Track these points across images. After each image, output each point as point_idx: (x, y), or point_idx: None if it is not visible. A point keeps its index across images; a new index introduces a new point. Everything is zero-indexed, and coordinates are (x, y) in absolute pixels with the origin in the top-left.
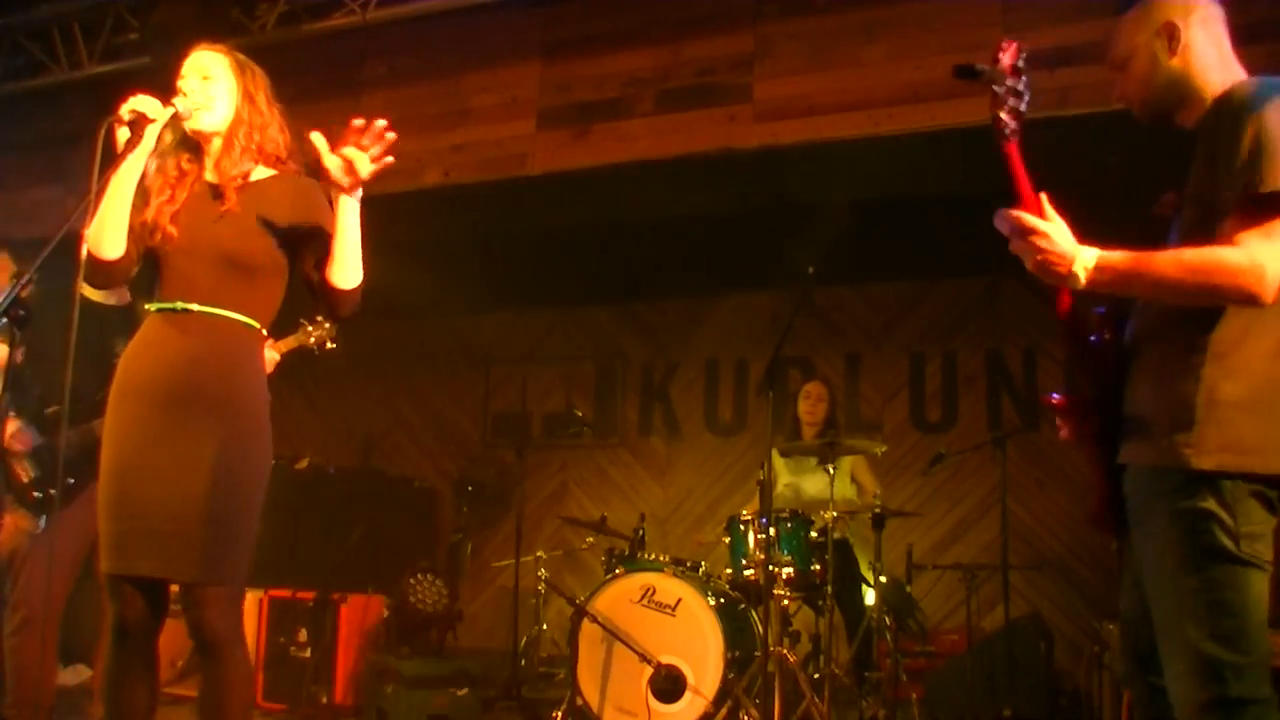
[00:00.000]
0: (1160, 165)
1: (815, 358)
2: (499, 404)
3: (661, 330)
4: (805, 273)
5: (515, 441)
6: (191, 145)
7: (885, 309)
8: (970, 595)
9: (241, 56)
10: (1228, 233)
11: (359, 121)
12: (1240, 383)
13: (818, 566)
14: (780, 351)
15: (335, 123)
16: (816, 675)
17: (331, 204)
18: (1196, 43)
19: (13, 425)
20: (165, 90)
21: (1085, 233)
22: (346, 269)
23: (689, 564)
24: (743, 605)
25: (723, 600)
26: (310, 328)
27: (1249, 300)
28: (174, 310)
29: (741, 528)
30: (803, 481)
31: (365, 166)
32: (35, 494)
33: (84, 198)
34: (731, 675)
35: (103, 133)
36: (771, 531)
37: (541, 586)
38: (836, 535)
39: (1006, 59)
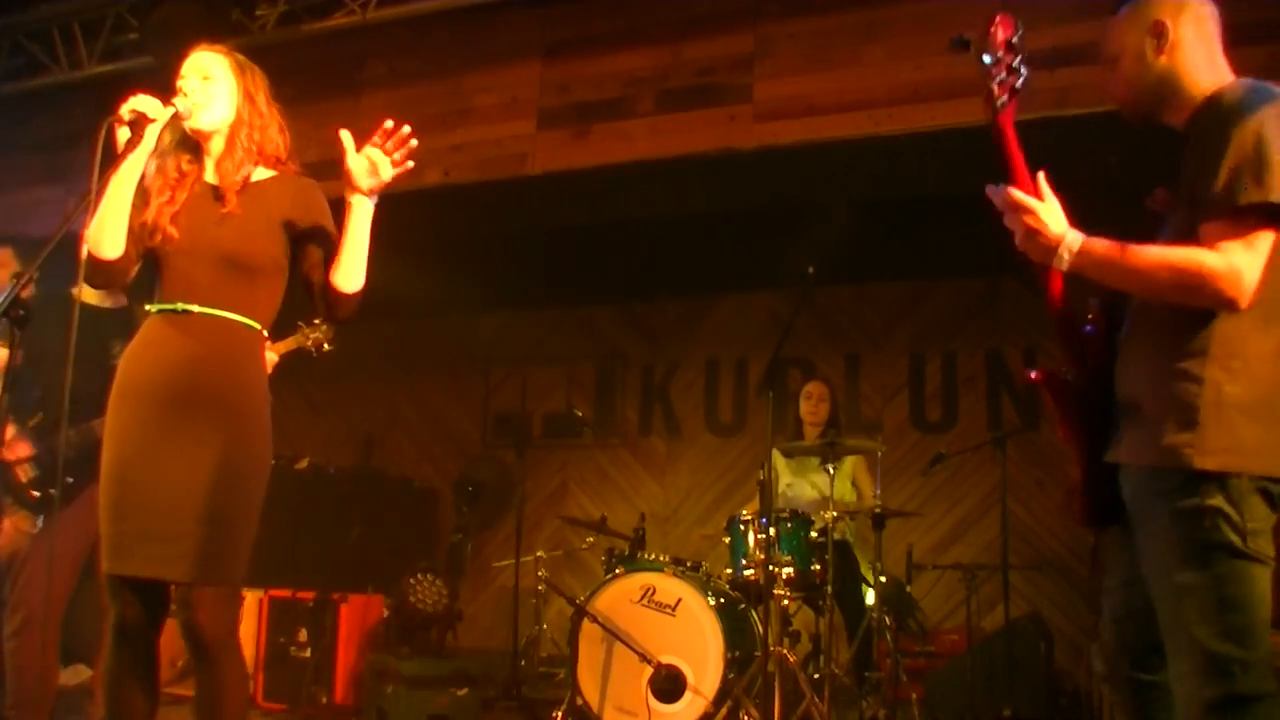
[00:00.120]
0: (1160, 165)
1: (815, 358)
2: (499, 404)
3: (661, 330)
4: (805, 273)
5: (515, 441)
6: (191, 146)
7: (885, 309)
8: (970, 595)
9: (241, 57)
10: (1209, 237)
11: (389, 124)
12: (1244, 384)
13: (818, 566)
14: (780, 351)
15: (335, 123)
16: (816, 675)
17: (346, 205)
18: (1185, 42)
19: (10, 432)
20: (165, 90)
21: (1085, 231)
22: (352, 272)
23: (689, 564)
24: (743, 605)
25: (723, 600)
26: (307, 330)
27: (1224, 305)
28: (174, 311)
29: (741, 528)
30: (803, 482)
31: (387, 170)
32: (34, 493)
33: (84, 198)
34: (731, 675)
35: (103, 133)
36: (771, 531)
37: (541, 586)
38: (837, 536)
39: (1001, 33)
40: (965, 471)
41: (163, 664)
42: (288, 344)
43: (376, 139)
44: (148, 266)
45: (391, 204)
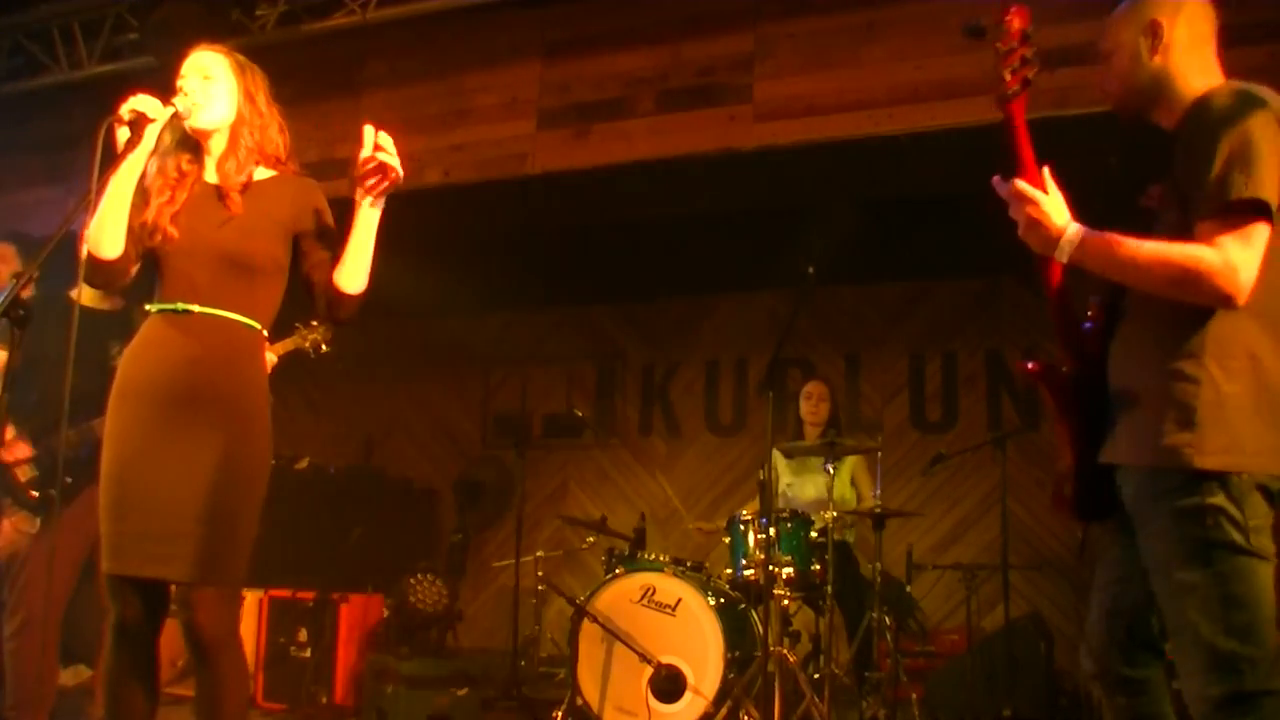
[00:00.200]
0: (1159, 165)
1: (815, 358)
2: (499, 404)
3: (661, 330)
4: (805, 273)
5: (515, 441)
6: (192, 146)
7: (885, 309)
8: (970, 595)
9: (241, 57)
10: (1205, 234)
11: (369, 129)
12: (1242, 383)
13: (818, 566)
14: (780, 351)
15: (335, 123)
16: (816, 675)
17: (355, 205)
18: (1180, 44)
19: (9, 433)
20: (165, 90)
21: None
22: (356, 273)
23: (689, 564)
24: (743, 605)
25: (723, 600)
26: (305, 330)
27: (1222, 301)
28: (174, 311)
29: (741, 528)
30: (803, 482)
31: (397, 172)
32: (34, 493)
33: (84, 198)
34: (731, 675)
35: (103, 133)
36: (771, 531)
37: (541, 586)
38: (837, 537)
39: (1016, 23)
40: (965, 471)
41: (163, 664)
42: (286, 345)
43: (364, 150)
44: (147, 267)
45: (391, 204)
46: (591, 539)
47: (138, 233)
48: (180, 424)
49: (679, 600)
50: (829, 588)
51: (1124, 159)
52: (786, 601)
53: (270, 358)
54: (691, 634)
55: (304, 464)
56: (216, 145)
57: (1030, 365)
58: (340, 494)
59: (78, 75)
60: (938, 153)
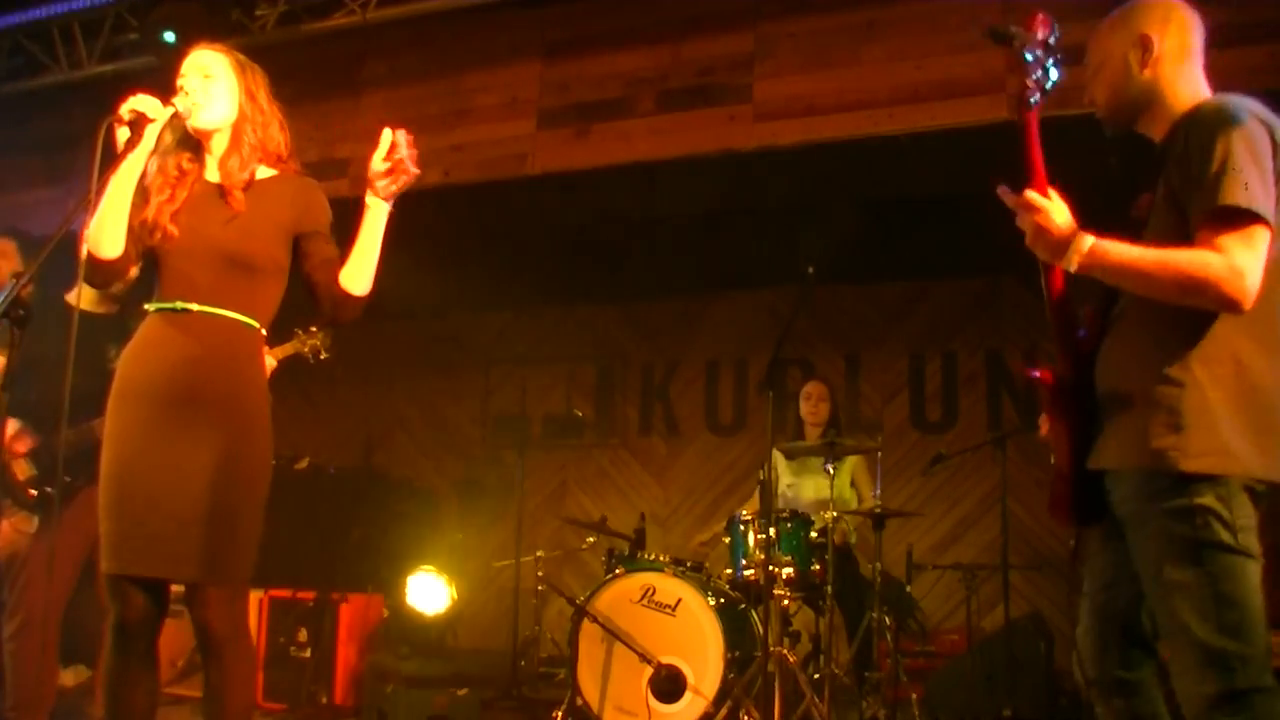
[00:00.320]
0: (1159, 167)
1: (815, 358)
2: (499, 404)
3: (661, 330)
4: (805, 273)
5: (515, 441)
6: (192, 145)
7: (885, 309)
8: (970, 595)
9: (242, 56)
10: (1206, 240)
11: (387, 132)
12: (1228, 389)
13: (818, 566)
14: (780, 351)
15: (335, 123)
16: (816, 675)
17: (362, 206)
18: (1169, 56)
19: (13, 426)
20: (165, 90)
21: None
22: (361, 275)
23: (689, 564)
24: (743, 605)
25: (723, 600)
26: (305, 336)
27: (1228, 306)
28: (174, 310)
29: (741, 528)
30: (804, 482)
31: (409, 174)
32: (32, 492)
33: (84, 198)
34: (731, 675)
35: (103, 133)
36: (771, 531)
37: (541, 586)
38: (837, 538)
39: (1041, 31)
40: (965, 471)
41: (163, 664)
42: (285, 350)
43: (380, 152)
44: (147, 269)
45: (392, 204)
46: (591, 539)
47: (137, 232)
48: (180, 423)
49: (679, 600)
50: (829, 588)
51: (1124, 159)
52: (786, 601)
53: (270, 362)
54: (691, 634)
55: (304, 464)
56: (218, 144)
57: (1039, 372)
58: (340, 494)
59: (78, 75)
60: (938, 153)
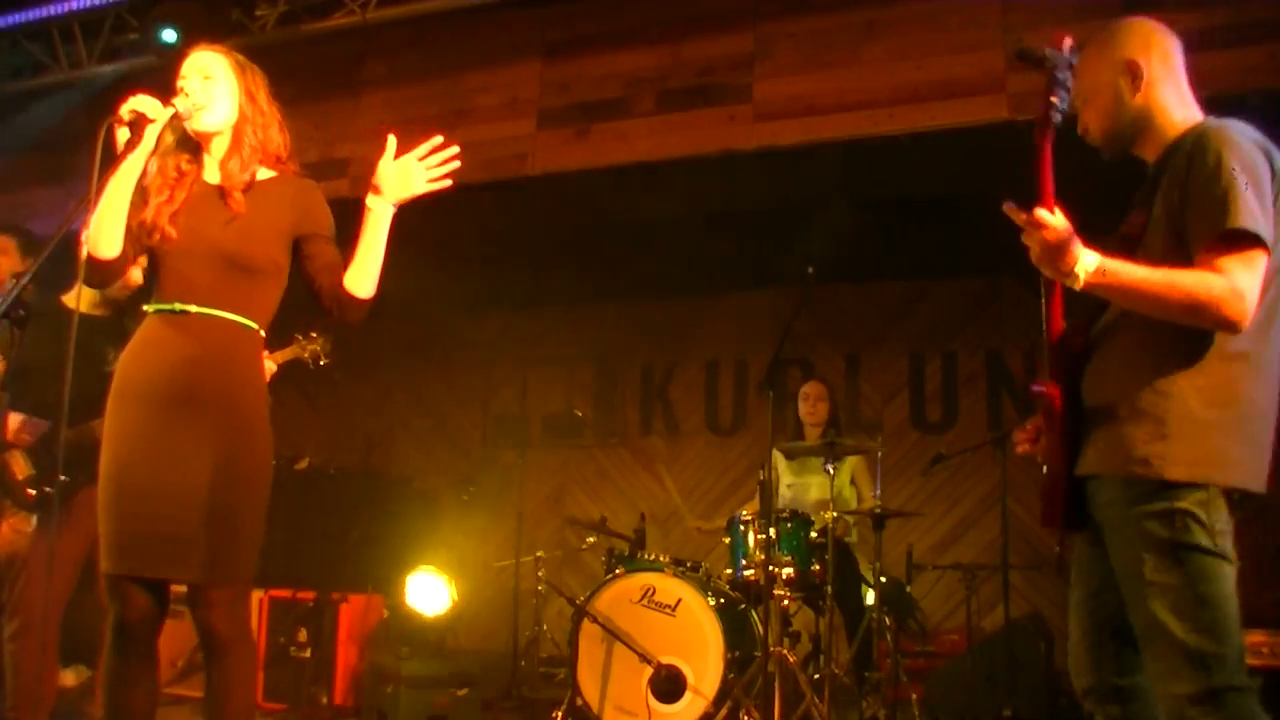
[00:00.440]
0: (1152, 186)
1: (815, 358)
2: (499, 404)
3: (661, 330)
4: (805, 273)
5: (515, 441)
6: (192, 146)
7: (885, 309)
8: (970, 595)
9: (241, 57)
10: (1207, 261)
11: (438, 139)
12: (1211, 400)
13: (818, 566)
14: (780, 351)
15: (335, 123)
16: (816, 675)
17: (364, 209)
18: (1158, 79)
19: (17, 419)
20: (165, 90)
21: (1083, 230)
22: (367, 277)
23: (689, 564)
24: (743, 605)
25: (723, 600)
26: (305, 341)
27: (1228, 327)
28: (172, 311)
29: (741, 528)
30: (804, 482)
31: (420, 184)
32: (31, 492)
33: (84, 198)
34: (731, 675)
35: (103, 133)
36: (771, 531)
37: (541, 587)
38: (838, 531)
39: (1067, 52)
40: (965, 471)
41: (163, 664)
42: (285, 354)
43: (420, 150)
44: (147, 272)
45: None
46: (591, 539)
47: (136, 232)
48: (179, 424)
49: (679, 600)
50: (829, 588)
51: (1124, 159)
52: (786, 601)
53: (269, 366)
54: (691, 634)
55: (304, 464)
56: (218, 146)
57: (1045, 388)
58: (340, 494)
59: (78, 75)
60: (938, 153)
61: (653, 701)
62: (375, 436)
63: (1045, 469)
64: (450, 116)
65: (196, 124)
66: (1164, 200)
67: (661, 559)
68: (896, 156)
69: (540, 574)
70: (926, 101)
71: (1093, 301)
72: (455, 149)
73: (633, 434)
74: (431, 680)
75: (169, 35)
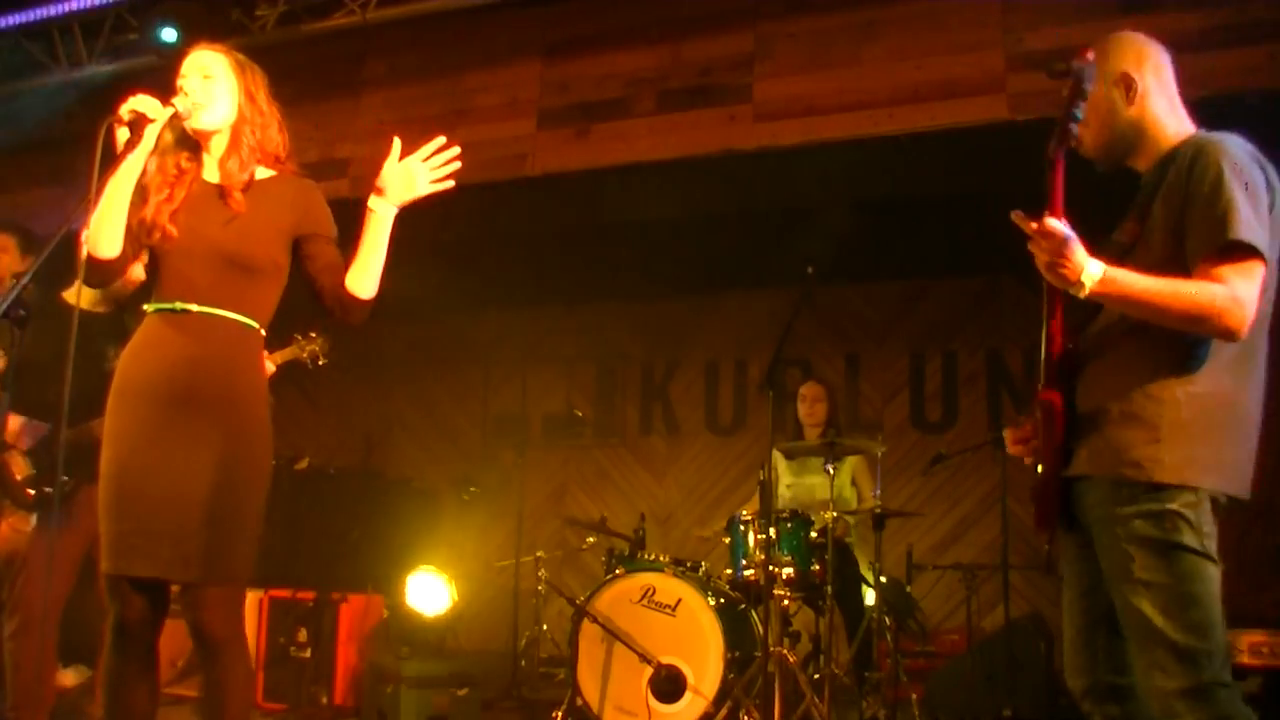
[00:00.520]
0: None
1: (815, 358)
2: (499, 404)
3: (661, 330)
4: (805, 273)
5: (515, 441)
6: (191, 144)
7: (885, 309)
8: (970, 595)
9: (241, 56)
10: (1206, 271)
11: (440, 139)
12: (1203, 407)
13: (818, 566)
14: (780, 351)
15: (335, 123)
16: (816, 675)
17: (366, 210)
18: (1151, 91)
19: (16, 422)
20: (165, 90)
21: (1083, 230)
22: (369, 278)
23: (689, 564)
24: (743, 605)
25: (723, 600)
26: (304, 341)
27: (1228, 335)
28: (173, 311)
29: (741, 528)
30: (804, 482)
31: (424, 185)
32: (30, 491)
33: (84, 198)
34: (731, 675)
35: (103, 133)
36: (771, 531)
37: (542, 587)
38: (838, 531)
39: (1089, 62)
40: (965, 471)
41: (163, 664)
42: (284, 354)
43: (424, 151)
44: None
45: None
46: (591, 539)
47: (135, 230)
48: (180, 423)
49: (679, 600)
50: (829, 588)
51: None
52: (786, 601)
53: (269, 366)
54: (691, 634)
55: (304, 464)
56: (217, 145)
57: (1050, 395)
58: (340, 494)
59: (78, 75)
60: (938, 153)
61: (653, 701)
62: (375, 436)
63: (1039, 471)
64: (450, 116)
65: (195, 123)
66: (1162, 210)
67: (661, 559)
68: (896, 156)
69: (540, 574)
70: (926, 101)
71: (1081, 309)
72: (457, 149)
73: (633, 434)
74: (431, 680)
75: (169, 34)
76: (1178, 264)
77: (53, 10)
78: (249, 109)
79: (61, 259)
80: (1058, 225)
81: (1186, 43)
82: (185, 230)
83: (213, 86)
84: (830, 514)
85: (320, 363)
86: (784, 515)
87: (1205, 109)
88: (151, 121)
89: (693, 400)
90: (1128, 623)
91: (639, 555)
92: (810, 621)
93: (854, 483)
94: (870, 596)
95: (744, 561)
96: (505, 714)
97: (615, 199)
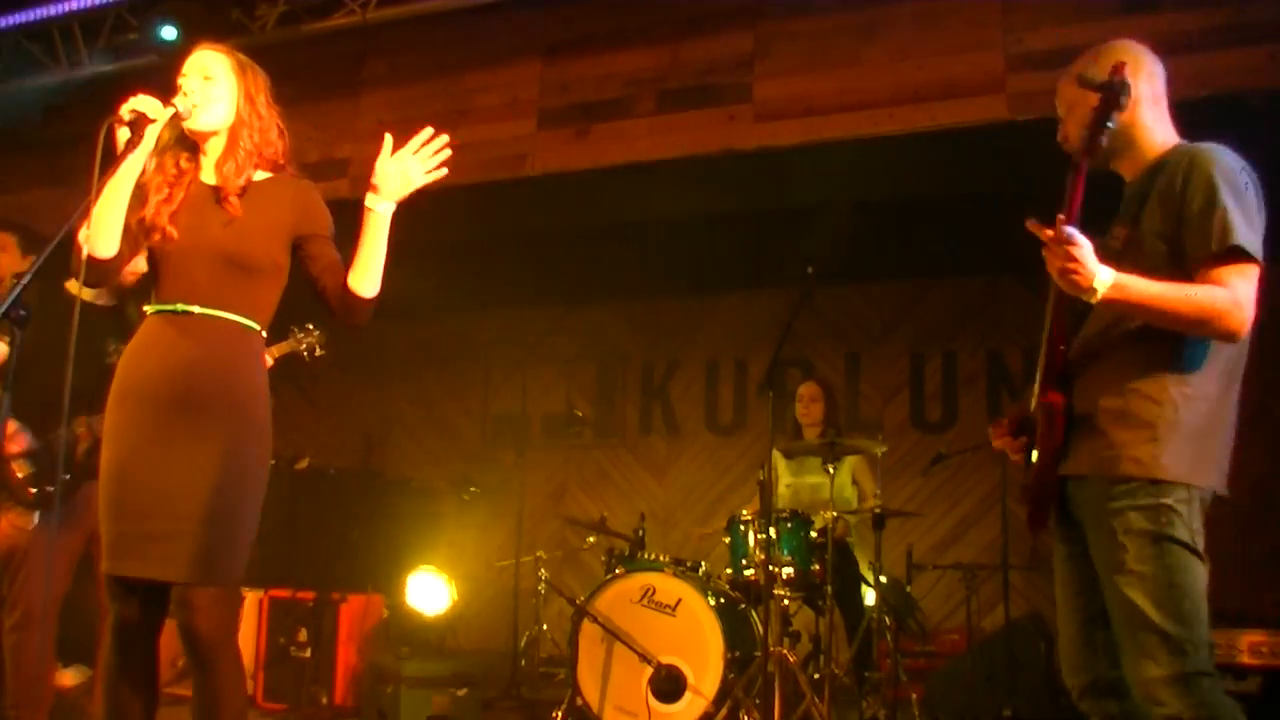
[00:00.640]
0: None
1: (815, 358)
2: (499, 404)
3: (661, 330)
4: (805, 273)
5: (515, 441)
6: (190, 144)
7: (885, 309)
8: (970, 595)
9: (243, 57)
10: (1207, 275)
11: (429, 130)
12: (1196, 409)
13: (818, 566)
14: (780, 351)
15: (335, 123)
16: (816, 675)
17: (364, 210)
18: (1144, 99)
19: (11, 426)
20: (165, 90)
21: (1083, 230)
22: (371, 276)
23: (689, 564)
24: (743, 605)
25: (723, 600)
26: (300, 335)
27: (1230, 337)
28: (173, 312)
29: (741, 528)
30: (804, 482)
31: (419, 177)
32: (31, 490)
33: (84, 199)
34: (731, 675)
35: (103, 133)
36: (771, 531)
37: (541, 586)
38: (838, 530)
39: (1123, 77)
40: (965, 471)
41: (163, 664)
42: (281, 348)
43: (414, 143)
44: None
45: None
46: (591, 539)
47: (135, 231)
48: (180, 424)
49: (679, 600)
50: (829, 588)
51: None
52: (786, 601)
53: (267, 360)
54: (691, 634)
55: (304, 464)
56: (214, 147)
57: (1053, 399)
58: (340, 494)
59: (78, 75)
60: (938, 153)
61: (653, 701)
62: (375, 436)
63: (1035, 471)
64: (450, 116)
65: (193, 123)
66: (1158, 216)
67: (661, 559)
68: (896, 156)
69: (540, 574)
70: (926, 101)
71: (1072, 313)
72: (445, 138)
73: (633, 434)
74: (431, 680)
75: (169, 33)
76: (1169, 268)
77: (53, 10)
78: (248, 112)
79: (63, 260)
80: (1072, 232)
81: (1186, 43)
82: (185, 231)
83: (212, 88)
84: (830, 514)
85: (317, 354)
86: (784, 515)
87: (1205, 109)
88: (152, 121)
89: (692, 400)
90: (1119, 614)
91: (639, 555)
92: (810, 621)
93: (854, 482)
94: (870, 596)
95: (744, 561)
96: (505, 714)
97: (615, 199)
